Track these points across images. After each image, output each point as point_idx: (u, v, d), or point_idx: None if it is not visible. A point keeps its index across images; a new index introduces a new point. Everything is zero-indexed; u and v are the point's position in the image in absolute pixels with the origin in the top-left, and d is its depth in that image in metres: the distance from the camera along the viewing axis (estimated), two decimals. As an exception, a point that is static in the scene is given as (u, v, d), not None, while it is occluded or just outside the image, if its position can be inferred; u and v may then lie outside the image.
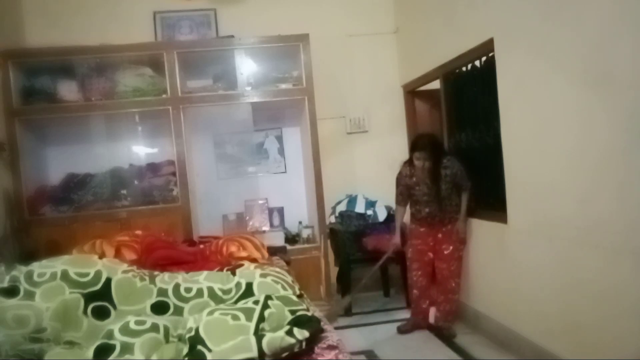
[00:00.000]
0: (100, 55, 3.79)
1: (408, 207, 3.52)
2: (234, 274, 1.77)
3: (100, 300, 1.60)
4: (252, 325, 1.33)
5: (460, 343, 3.32)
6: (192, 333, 1.31)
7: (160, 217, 3.71)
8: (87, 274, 1.64)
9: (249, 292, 1.65)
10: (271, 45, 3.95)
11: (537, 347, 2.78)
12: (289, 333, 1.32)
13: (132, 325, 1.30)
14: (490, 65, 3.09)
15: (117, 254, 2.15)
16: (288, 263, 2.97)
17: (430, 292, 3.52)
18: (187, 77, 4.14)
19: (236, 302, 1.60)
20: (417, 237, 3.47)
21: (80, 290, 1.60)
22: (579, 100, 2.34)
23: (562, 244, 2.53)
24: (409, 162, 3.37)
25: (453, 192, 3.34)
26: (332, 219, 4.34)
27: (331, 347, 1.43)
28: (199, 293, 1.67)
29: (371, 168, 4.48)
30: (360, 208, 4.30)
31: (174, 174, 3.87)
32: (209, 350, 1.25)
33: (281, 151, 4.55)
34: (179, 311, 1.61)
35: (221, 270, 1.90)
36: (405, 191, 3.42)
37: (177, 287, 1.69)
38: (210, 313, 1.39)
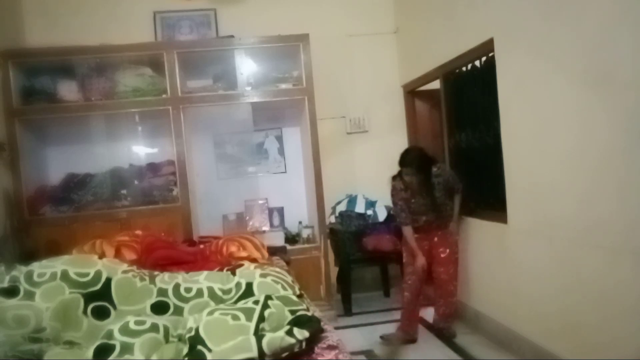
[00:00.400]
0: (100, 55, 3.79)
1: None
2: (234, 274, 1.77)
3: (100, 300, 1.61)
4: (252, 325, 1.33)
5: (460, 343, 3.32)
6: (192, 333, 1.31)
7: (160, 217, 3.71)
8: (87, 274, 1.64)
9: (249, 292, 1.65)
10: (271, 45, 3.95)
11: (537, 347, 2.78)
12: (289, 333, 1.32)
13: (132, 326, 1.30)
14: (490, 65, 3.09)
15: (117, 254, 2.15)
16: (288, 263, 2.97)
17: (422, 298, 3.44)
18: (187, 77, 4.14)
19: (236, 302, 1.60)
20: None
21: (80, 290, 1.60)
22: (579, 100, 2.34)
23: (562, 244, 2.53)
24: (400, 176, 3.29)
25: (447, 196, 3.34)
26: (332, 219, 4.33)
27: (331, 347, 1.43)
28: (199, 293, 1.67)
29: (371, 168, 4.48)
30: (360, 208, 4.30)
31: (174, 174, 3.87)
32: (209, 350, 1.25)
33: (281, 151, 4.55)
34: (179, 311, 1.61)
35: (221, 270, 1.90)
36: (405, 207, 3.31)
37: (177, 287, 1.69)
38: (210, 313, 1.39)
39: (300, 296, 1.71)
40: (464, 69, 3.50)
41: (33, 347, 1.31)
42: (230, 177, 4.41)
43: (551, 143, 2.56)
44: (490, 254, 3.28)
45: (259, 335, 1.30)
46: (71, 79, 3.80)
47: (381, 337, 3.41)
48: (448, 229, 3.37)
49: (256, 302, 1.45)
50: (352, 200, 4.36)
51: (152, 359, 1.23)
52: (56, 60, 3.74)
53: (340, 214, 4.32)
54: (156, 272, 1.86)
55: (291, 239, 4.13)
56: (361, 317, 4.00)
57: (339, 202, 4.41)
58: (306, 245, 3.99)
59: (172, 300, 1.65)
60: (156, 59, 3.80)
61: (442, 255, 3.36)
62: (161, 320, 1.40)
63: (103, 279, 1.65)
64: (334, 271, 4.30)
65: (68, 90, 3.75)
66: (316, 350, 1.41)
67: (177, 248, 2.49)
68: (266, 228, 4.24)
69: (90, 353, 1.23)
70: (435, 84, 3.99)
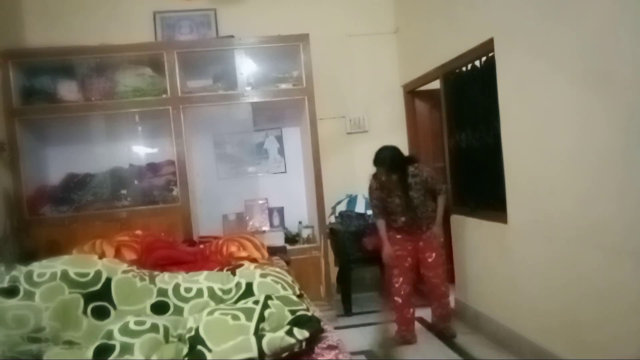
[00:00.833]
0: (100, 55, 3.79)
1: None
2: (234, 274, 1.77)
3: (100, 300, 1.60)
4: (252, 325, 1.33)
5: (460, 343, 3.32)
6: (192, 333, 1.31)
7: (160, 217, 3.71)
8: (87, 274, 1.64)
9: (249, 292, 1.65)
10: (271, 45, 3.95)
11: (537, 347, 2.78)
12: (289, 333, 1.32)
13: (132, 326, 1.30)
14: (490, 65, 3.09)
15: (117, 254, 2.15)
16: (288, 263, 2.97)
17: (414, 300, 3.44)
18: (187, 77, 4.14)
19: (236, 302, 1.60)
20: (395, 244, 3.39)
21: (80, 290, 1.60)
22: (579, 100, 2.34)
23: (562, 243, 2.53)
24: (377, 175, 3.31)
25: (427, 198, 3.30)
26: (332, 219, 4.33)
27: (331, 347, 1.43)
28: (199, 293, 1.67)
29: (371, 168, 4.45)
30: (360, 208, 4.30)
31: (174, 174, 3.87)
32: (209, 350, 1.25)
33: (281, 151, 4.55)
34: (179, 311, 1.61)
35: (221, 270, 1.90)
36: (379, 204, 3.36)
37: (177, 287, 1.69)
38: (210, 313, 1.39)
39: (300, 296, 1.71)
40: (464, 69, 3.50)
41: (32, 347, 1.31)
42: (230, 177, 4.41)
43: (551, 143, 2.56)
44: (490, 254, 3.28)
45: (259, 335, 1.30)
46: (71, 79, 3.80)
47: (380, 343, 3.39)
48: (431, 232, 3.32)
49: (256, 302, 1.45)
50: (352, 200, 4.36)
51: (152, 359, 1.23)
52: (56, 60, 3.74)
53: (340, 214, 4.32)
54: (156, 272, 1.86)
55: (291, 239, 4.13)
56: (361, 317, 4.00)
57: (339, 202, 4.41)
58: (306, 245, 3.99)
59: (172, 300, 1.65)
60: (156, 59, 3.80)
61: (429, 260, 3.33)
62: (161, 321, 1.40)
63: (103, 279, 1.65)
64: (334, 271, 4.30)
65: (68, 90, 3.75)
66: (316, 350, 1.41)
67: (177, 248, 2.49)
68: (266, 228, 4.24)
69: (90, 353, 1.23)
70: (435, 84, 3.99)
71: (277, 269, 1.87)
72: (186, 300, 1.65)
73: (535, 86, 2.65)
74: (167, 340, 1.33)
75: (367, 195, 4.34)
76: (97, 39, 3.89)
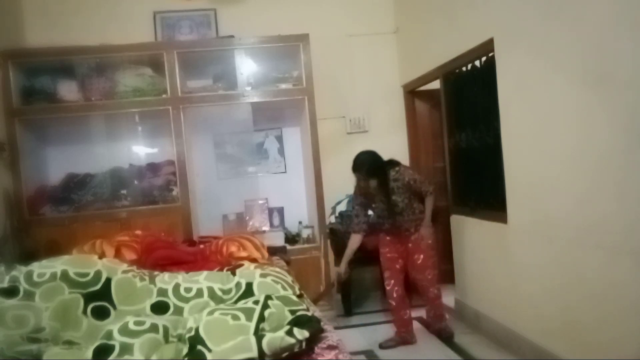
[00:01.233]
0: (100, 55, 3.79)
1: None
2: (234, 274, 1.77)
3: (100, 300, 1.60)
4: (252, 325, 1.33)
5: (460, 343, 3.32)
6: (192, 333, 1.30)
7: (160, 217, 3.71)
8: (87, 274, 1.64)
9: (249, 292, 1.65)
10: (271, 45, 3.95)
11: (537, 347, 2.78)
12: (289, 333, 1.32)
13: (132, 326, 1.30)
14: (490, 65, 3.09)
15: (117, 254, 2.15)
16: (288, 263, 2.97)
17: (409, 300, 3.42)
18: (187, 77, 4.14)
19: (236, 302, 1.60)
20: (385, 245, 3.36)
21: (80, 290, 1.60)
22: (579, 100, 2.34)
23: (562, 243, 2.53)
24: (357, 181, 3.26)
25: (414, 200, 3.25)
26: (332, 219, 4.33)
27: (331, 347, 1.43)
28: (199, 293, 1.67)
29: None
30: (360, 208, 4.29)
31: (174, 174, 3.87)
32: (209, 350, 1.24)
33: (281, 151, 4.55)
34: (179, 311, 1.61)
35: (221, 270, 1.90)
36: (362, 212, 3.30)
37: (177, 287, 1.69)
38: (210, 313, 1.39)
39: (300, 296, 1.71)
40: (464, 69, 3.50)
41: (32, 347, 1.31)
42: (230, 177, 4.40)
43: (551, 143, 2.56)
44: (490, 254, 3.28)
45: (259, 335, 1.30)
46: (71, 79, 3.80)
47: (380, 345, 3.38)
48: (419, 234, 3.26)
49: (256, 302, 1.45)
50: (352, 201, 4.35)
51: (151, 359, 1.23)
52: (56, 60, 3.74)
53: (340, 214, 4.32)
54: (156, 272, 1.86)
55: (291, 239, 4.13)
56: (361, 317, 4.00)
57: (339, 202, 4.40)
58: (306, 245, 3.99)
59: (172, 300, 1.65)
60: (156, 59, 3.80)
61: (418, 262, 3.28)
62: (161, 321, 1.39)
63: (103, 279, 1.65)
64: (334, 271, 4.30)
65: (68, 90, 3.75)
66: (316, 350, 1.40)
67: (177, 248, 2.49)
68: (266, 228, 4.24)
69: (89, 353, 1.23)
70: (435, 84, 3.99)
71: (277, 269, 1.86)
72: (186, 300, 1.65)
73: (535, 86, 2.65)
74: (166, 340, 1.33)
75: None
76: (97, 39, 3.89)
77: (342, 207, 4.36)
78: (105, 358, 1.21)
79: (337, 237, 4.18)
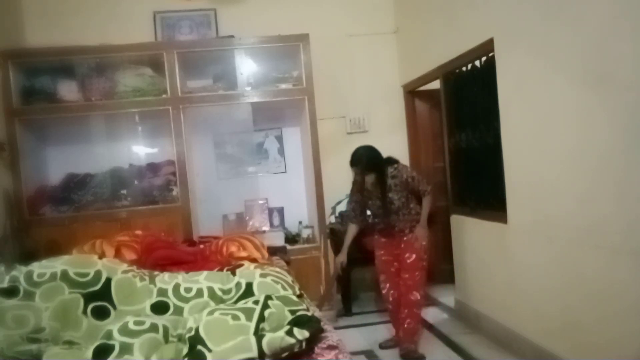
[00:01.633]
0: (100, 55, 3.79)
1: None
2: (234, 274, 1.77)
3: (100, 300, 1.60)
4: (252, 325, 1.33)
5: (460, 343, 3.32)
6: (192, 333, 1.30)
7: (160, 217, 3.71)
8: (87, 274, 1.64)
9: (249, 292, 1.65)
10: (271, 45, 3.95)
11: (537, 347, 2.78)
12: (289, 333, 1.32)
13: (131, 326, 1.30)
14: (490, 65, 3.09)
15: (117, 254, 2.15)
16: (288, 263, 2.97)
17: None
18: (187, 77, 4.14)
19: (236, 302, 1.60)
20: (380, 248, 3.30)
21: (80, 290, 1.60)
22: (579, 100, 2.34)
23: (562, 243, 2.53)
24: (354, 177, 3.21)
25: (411, 199, 3.17)
26: (332, 219, 4.33)
27: (331, 347, 1.43)
28: (199, 293, 1.67)
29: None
30: (360, 208, 4.29)
31: (174, 174, 3.87)
32: (209, 350, 1.25)
33: (281, 151, 4.55)
34: (179, 311, 1.61)
35: (221, 270, 1.90)
36: (358, 208, 3.27)
37: (177, 287, 1.69)
38: (210, 313, 1.39)
39: (300, 296, 1.71)
40: (464, 69, 3.50)
41: (32, 347, 1.31)
42: (230, 177, 4.40)
43: (551, 143, 2.56)
44: (490, 254, 3.28)
45: (259, 335, 1.30)
46: (71, 79, 3.80)
47: (380, 345, 3.38)
48: (414, 234, 3.15)
49: (256, 302, 1.45)
50: (349, 197, 4.35)
51: (151, 359, 1.23)
52: (56, 60, 3.74)
53: (340, 214, 4.32)
54: (156, 272, 1.86)
55: (291, 239, 4.13)
56: (361, 317, 4.00)
57: (339, 202, 4.40)
58: (306, 245, 4.00)
59: (172, 300, 1.65)
60: (156, 59, 3.80)
61: (408, 261, 3.15)
62: (161, 320, 1.40)
63: (103, 279, 1.65)
64: (333, 267, 4.29)
65: (68, 90, 3.75)
66: (316, 350, 1.41)
67: (177, 248, 2.49)
68: (266, 228, 4.24)
69: (89, 353, 1.23)
70: (435, 84, 3.99)
71: (277, 269, 1.86)
72: (186, 300, 1.65)
73: (535, 86, 2.65)
74: (166, 340, 1.33)
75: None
76: (97, 39, 3.89)
77: (342, 207, 4.35)
78: (105, 358, 1.21)
79: (337, 237, 4.18)
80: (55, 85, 3.74)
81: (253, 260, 2.20)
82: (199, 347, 1.26)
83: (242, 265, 1.89)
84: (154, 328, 1.32)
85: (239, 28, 4.23)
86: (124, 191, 3.89)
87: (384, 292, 3.31)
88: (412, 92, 4.59)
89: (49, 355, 1.27)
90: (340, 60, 4.59)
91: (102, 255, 1.97)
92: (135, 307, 1.61)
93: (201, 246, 2.62)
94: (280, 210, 4.39)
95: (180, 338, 1.34)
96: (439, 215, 3.73)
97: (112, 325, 1.33)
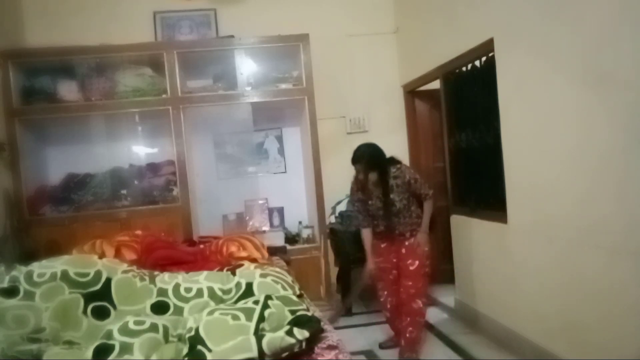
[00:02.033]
0: (100, 55, 3.79)
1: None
2: (234, 274, 1.77)
3: (100, 300, 1.60)
4: (252, 325, 1.33)
5: (460, 343, 3.32)
6: (192, 333, 1.31)
7: (160, 217, 3.71)
8: (87, 274, 1.64)
9: (249, 292, 1.65)
10: (271, 45, 3.95)
11: (537, 347, 2.78)
12: (289, 333, 1.32)
13: (131, 326, 1.30)
14: (490, 65, 3.09)
15: (117, 254, 2.15)
16: (288, 263, 2.97)
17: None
18: (187, 77, 4.14)
19: (236, 302, 1.60)
20: (379, 254, 3.17)
21: (80, 290, 1.60)
22: (579, 100, 2.34)
23: (562, 244, 2.53)
24: (356, 175, 3.12)
25: (412, 202, 3.07)
26: (332, 219, 4.33)
27: (331, 347, 1.43)
28: (199, 293, 1.67)
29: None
30: (360, 208, 4.29)
31: (174, 174, 3.88)
32: (209, 350, 1.24)
33: (281, 151, 4.55)
34: (179, 311, 1.61)
35: (221, 270, 1.90)
36: (362, 207, 3.13)
37: (177, 287, 1.69)
38: (210, 313, 1.39)
39: (300, 296, 1.71)
40: (464, 69, 3.50)
41: (32, 347, 1.31)
42: (230, 177, 4.41)
43: (551, 143, 2.56)
44: (490, 254, 3.28)
45: (259, 335, 1.30)
46: (71, 79, 3.80)
47: (380, 345, 3.38)
48: (416, 239, 3.06)
49: (256, 302, 1.45)
50: (350, 198, 4.36)
51: (151, 359, 1.23)
52: (56, 60, 3.74)
53: (340, 214, 4.32)
54: (156, 272, 1.86)
55: (291, 239, 4.13)
56: (361, 317, 4.00)
57: (339, 202, 4.40)
58: (306, 245, 4.00)
59: (172, 300, 1.65)
60: (156, 59, 3.80)
61: (411, 268, 3.03)
62: (161, 320, 1.40)
63: (103, 279, 1.65)
64: (334, 271, 4.30)
65: (68, 90, 3.75)
66: (316, 350, 1.41)
67: (177, 248, 2.49)
68: (266, 228, 4.24)
69: (89, 353, 1.23)
70: (435, 84, 3.99)
71: (277, 269, 1.87)
72: (186, 300, 1.65)
73: (535, 86, 2.65)
74: (166, 340, 1.33)
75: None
76: (97, 39, 3.89)
77: (342, 207, 4.36)
78: (105, 358, 1.21)
79: (337, 237, 4.19)
80: (55, 85, 3.74)
81: (253, 260, 2.20)
82: (199, 347, 1.26)
83: (242, 265, 1.89)
84: (154, 328, 1.32)
85: (239, 28, 4.23)
86: (124, 191, 3.90)
87: (382, 300, 3.25)
88: (412, 92, 4.59)
89: (49, 355, 1.27)
90: (340, 60, 4.59)
91: (102, 255, 1.97)
92: (135, 307, 1.61)
93: (201, 246, 2.62)
94: (280, 210, 4.39)
95: (180, 338, 1.35)
96: (439, 216, 3.72)
97: (112, 325, 1.33)
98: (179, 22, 4.37)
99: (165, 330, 1.35)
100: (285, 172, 4.55)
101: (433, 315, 3.89)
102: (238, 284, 1.69)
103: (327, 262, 3.95)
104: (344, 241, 4.11)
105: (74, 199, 3.79)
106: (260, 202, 4.34)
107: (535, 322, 2.82)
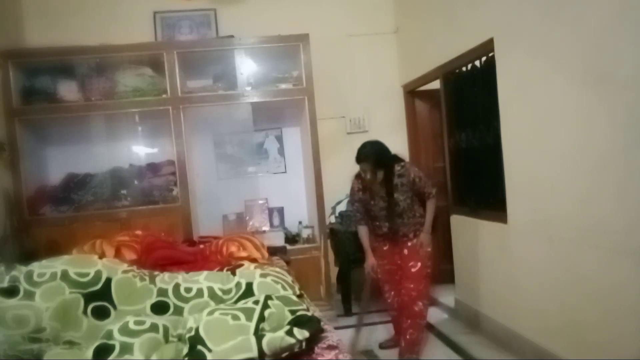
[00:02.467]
0: (100, 55, 3.79)
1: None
2: (234, 274, 1.77)
3: (100, 300, 1.60)
4: (252, 325, 1.33)
5: (460, 343, 3.32)
6: (192, 333, 1.31)
7: (160, 217, 3.71)
8: (87, 274, 1.64)
9: (249, 292, 1.65)
10: (271, 45, 3.95)
11: (537, 347, 2.78)
12: (289, 333, 1.32)
13: (132, 326, 1.30)
14: (490, 65, 3.09)
15: (117, 254, 2.15)
16: (288, 263, 2.96)
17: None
18: (187, 77, 4.14)
19: (236, 302, 1.60)
20: (382, 257, 3.14)
21: (80, 290, 1.60)
22: (579, 100, 2.34)
23: (562, 243, 2.53)
24: (359, 175, 3.05)
25: (415, 202, 3.03)
26: (332, 219, 4.33)
27: (331, 347, 1.43)
28: (199, 293, 1.67)
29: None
30: (360, 208, 4.29)
31: (174, 174, 3.87)
32: (209, 350, 1.25)
33: (281, 151, 4.55)
34: (179, 311, 1.61)
35: (221, 270, 1.90)
36: (361, 207, 3.09)
37: (177, 287, 1.69)
38: (210, 313, 1.39)
39: (300, 296, 1.71)
40: (464, 69, 3.50)
41: (33, 347, 1.31)
42: (230, 177, 4.41)
43: (551, 143, 2.56)
44: (490, 254, 3.28)
45: (259, 335, 1.30)
46: (71, 79, 3.80)
47: (380, 345, 3.38)
48: (418, 240, 3.02)
49: (256, 302, 1.45)
50: (349, 198, 4.36)
51: (151, 359, 1.23)
52: (56, 60, 3.74)
53: (340, 214, 4.32)
54: (156, 272, 1.86)
55: (291, 239, 4.13)
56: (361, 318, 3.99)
57: (339, 202, 4.40)
58: (306, 245, 3.99)
59: (172, 300, 1.65)
60: (156, 59, 3.80)
61: (413, 270, 2.99)
62: (161, 320, 1.40)
63: (103, 279, 1.65)
64: (334, 271, 4.30)
65: (68, 90, 3.75)
66: (316, 350, 1.41)
67: (177, 248, 2.49)
68: (266, 228, 4.24)
69: (89, 353, 1.23)
70: (435, 84, 3.99)
71: (277, 269, 1.87)
72: (186, 300, 1.65)
73: (535, 86, 2.65)
74: (166, 340, 1.33)
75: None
76: (97, 39, 3.89)
77: (342, 207, 4.36)
78: (106, 358, 1.21)
79: (337, 237, 4.19)
80: (55, 85, 3.74)
81: (253, 260, 2.20)
82: (199, 347, 1.26)
83: (242, 265, 1.89)
84: (154, 328, 1.32)
85: (239, 28, 4.23)
86: (124, 191, 3.89)
87: (389, 300, 3.23)
88: (412, 92, 4.59)
89: (49, 355, 1.27)
90: (340, 60, 4.59)
91: (102, 255, 1.97)
92: (135, 307, 1.62)
93: (201, 246, 2.62)
94: (280, 210, 4.39)
95: (180, 338, 1.35)
96: (440, 216, 3.72)
97: (113, 325, 1.33)
98: (179, 22, 4.37)
99: (166, 330, 1.35)
100: (285, 172, 4.55)
101: (433, 315, 3.88)
102: (238, 284, 1.69)
103: (327, 262, 3.95)
104: (344, 241, 4.11)
105: (74, 199, 3.78)
106: (260, 202, 4.34)
107: (535, 321, 2.82)
